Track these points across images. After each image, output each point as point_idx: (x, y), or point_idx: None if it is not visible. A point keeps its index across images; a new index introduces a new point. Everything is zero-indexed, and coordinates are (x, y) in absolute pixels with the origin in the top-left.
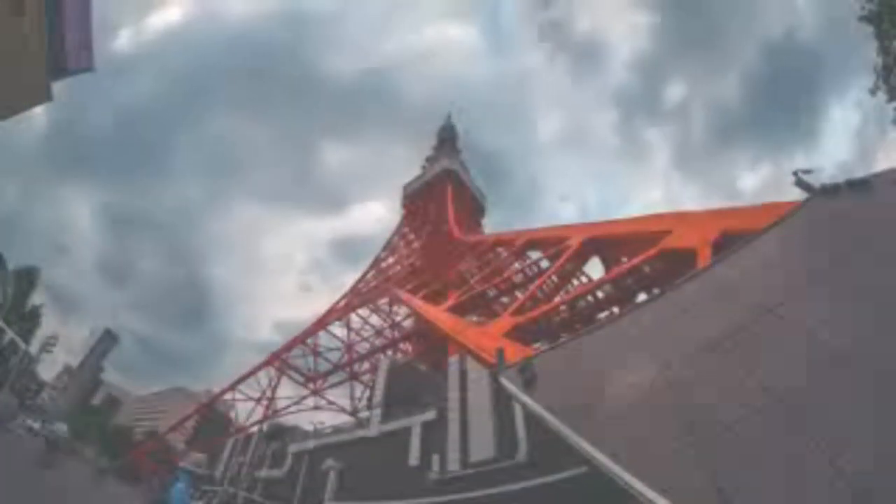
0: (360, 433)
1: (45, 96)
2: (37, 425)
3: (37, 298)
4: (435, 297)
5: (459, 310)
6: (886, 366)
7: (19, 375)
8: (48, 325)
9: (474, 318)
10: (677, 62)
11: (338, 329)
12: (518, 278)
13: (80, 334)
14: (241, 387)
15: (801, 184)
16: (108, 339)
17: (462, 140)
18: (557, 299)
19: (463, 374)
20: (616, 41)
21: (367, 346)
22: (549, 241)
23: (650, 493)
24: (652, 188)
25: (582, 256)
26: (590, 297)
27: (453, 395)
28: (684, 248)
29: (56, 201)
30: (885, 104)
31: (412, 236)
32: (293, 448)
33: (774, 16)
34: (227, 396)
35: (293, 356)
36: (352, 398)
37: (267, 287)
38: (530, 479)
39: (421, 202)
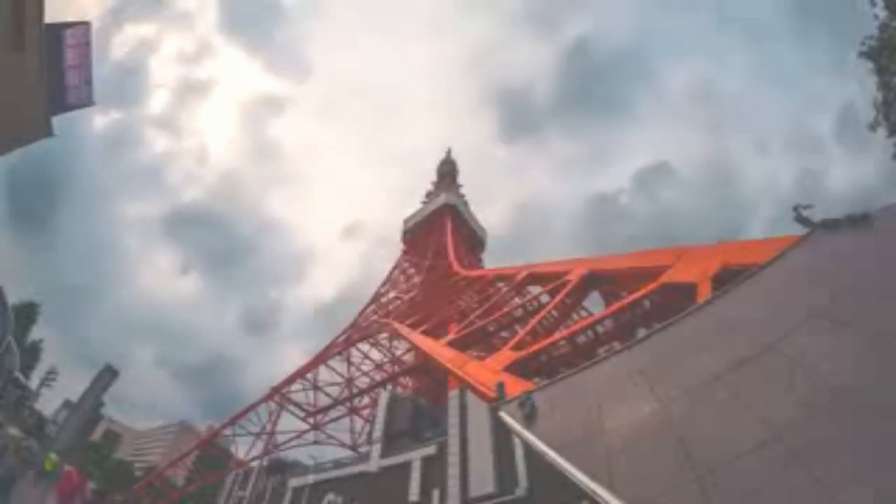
0: (361, 468)
1: (46, 131)
2: None
3: (36, 333)
4: (435, 332)
5: (459, 344)
6: (887, 401)
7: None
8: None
9: (474, 353)
10: None
11: (338, 364)
12: (518, 313)
13: None
14: (242, 421)
15: (800, 219)
16: (108, 374)
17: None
18: (557, 334)
19: (463, 409)
20: None
21: (367, 380)
22: (550, 276)
23: None
24: None
25: (581, 291)
26: (590, 332)
27: (453, 429)
28: (684, 282)
29: None
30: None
31: (412, 270)
32: (293, 483)
33: None
34: (227, 431)
35: (293, 390)
36: (352, 432)
37: None
38: None
39: (421, 236)
